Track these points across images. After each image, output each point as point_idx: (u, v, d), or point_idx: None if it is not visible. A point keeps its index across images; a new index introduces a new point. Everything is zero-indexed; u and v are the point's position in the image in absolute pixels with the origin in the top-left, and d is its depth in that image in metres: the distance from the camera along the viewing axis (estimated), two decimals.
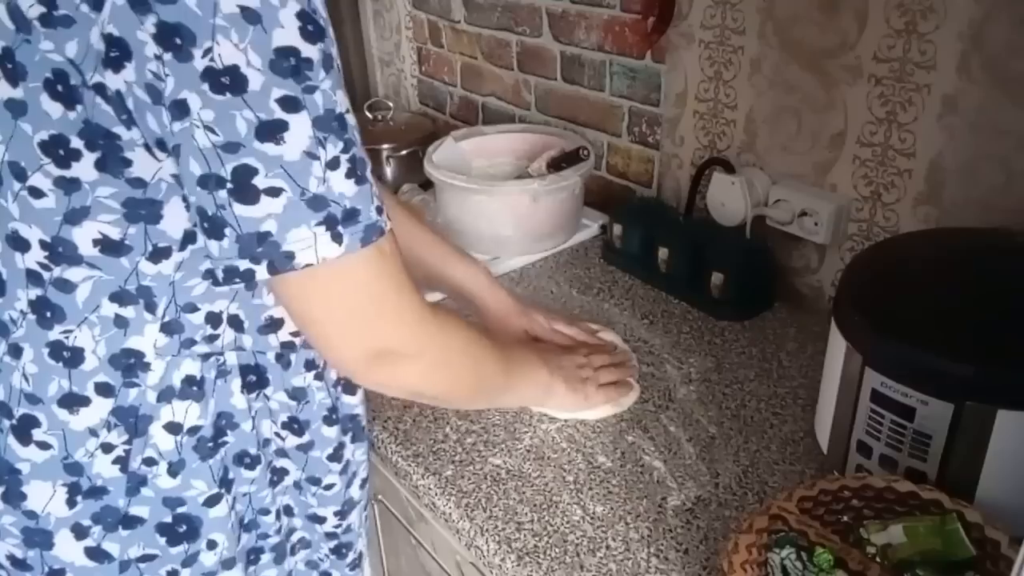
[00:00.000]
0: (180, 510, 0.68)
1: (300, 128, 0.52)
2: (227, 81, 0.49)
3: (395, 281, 0.61)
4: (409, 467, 0.90)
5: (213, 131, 0.51)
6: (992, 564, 0.65)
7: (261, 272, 0.55)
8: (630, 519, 0.81)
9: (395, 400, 0.99)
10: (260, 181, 0.52)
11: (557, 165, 1.28)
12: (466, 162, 1.39)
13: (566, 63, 1.46)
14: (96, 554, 0.67)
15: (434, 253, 0.96)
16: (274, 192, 0.52)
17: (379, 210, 0.58)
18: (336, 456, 0.78)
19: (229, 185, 0.52)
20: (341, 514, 0.81)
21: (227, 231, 0.54)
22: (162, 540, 0.68)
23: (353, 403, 0.78)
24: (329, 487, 0.78)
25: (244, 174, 0.52)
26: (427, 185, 1.40)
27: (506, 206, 1.25)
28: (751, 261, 1.15)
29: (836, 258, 1.12)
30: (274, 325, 0.68)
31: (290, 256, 0.54)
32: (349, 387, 0.78)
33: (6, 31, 0.54)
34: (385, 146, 1.58)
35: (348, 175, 0.55)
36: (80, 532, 0.66)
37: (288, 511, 0.77)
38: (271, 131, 0.51)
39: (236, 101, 0.50)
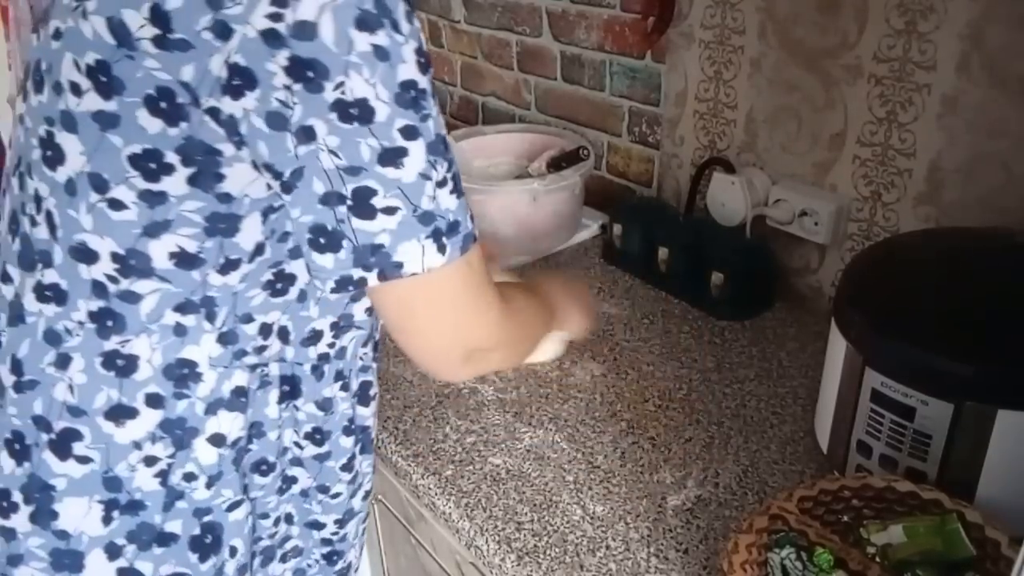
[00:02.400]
0: (207, 519, 0.68)
1: (417, 153, 0.55)
2: (356, 112, 0.53)
3: (483, 285, 0.65)
4: (409, 467, 0.90)
5: (337, 155, 0.54)
6: (992, 564, 0.65)
7: (372, 279, 0.58)
8: (630, 519, 0.81)
9: (395, 400, 0.99)
10: (378, 201, 0.55)
11: (557, 165, 1.28)
12: (466, 162, 1.39)
13: (566, 63, 1.46)
14: (128, 575, 0.66)
15: None
16: (390, 211, 0.56)
17: (472, 219, 0.62)
18: (348, 466, 0.78)
19: (349, 202, 0.55)
20: (340, 522, 0.80)
21: (344, 243, 0.56)
22: (194, 557, 0.67)
23: (366, 415, 0.79)
24: (336, 496, 0.78)
25: (364, 194, 0.55)
26: None
27: (506, 206, 1.25)
28: (751, 261, 1.15)
29: (836, 258, 1.12)
30: (315, 337, 0.69)
31: (399, 265, 0.57)
32: (364, 398, 0.78)
33: (104, 45, 0.54)
34: None
35: (452, 191, 0.59)
36: (113, 552, 0.65)
37: (288, 519, 0.77)
38: (392, 157, 0.54)
39: (363, 130, 0.53)
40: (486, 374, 0.83)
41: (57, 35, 0.57)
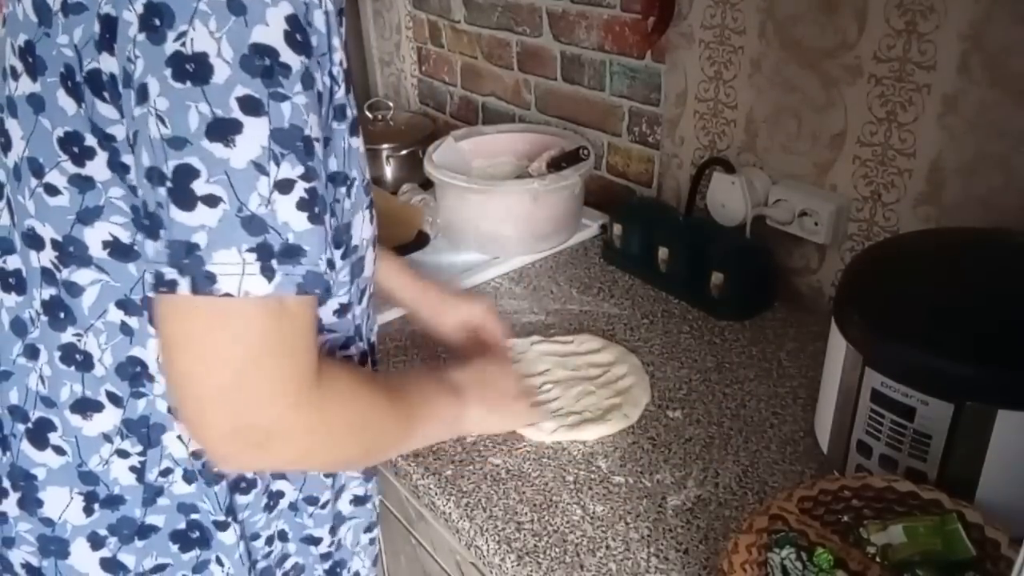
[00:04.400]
0: (194, 516, 0.67)
1: (255, 134, 0.48)
2: (191, 68, 0.46)
3: (285, 348, 0.53)
4: (409, 467, 0.90)
5: (164, 122, 0.47)
6: (992, 564, 0.65)
7: (184, 287, 0.49)
8: (630, 519, 0.81)
9: None
10: (199, 186, 0.48)
11: (557, 165, 1.28)
12: (466, 162, 1.39)
13: (566, 63, 1.46)
14: (112, 565, 0.66)
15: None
16: (211, 201, 0.48)
17: (330, 264, 0.53)
18: (329, 472, 0.76)
19: (169, 184, 0.48)
20: (332, 530, 0.78)
21: (162, 232, 0.50)
22: (175, 547, 0.67)
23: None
24: (325, 505, 0.76)
25: (185, 175, 0.48)
26: (427, 185, 1.40)
27: (506, 206, 1.25)
28: (751, 261, 1.15)
29: (836, 258, 1.12)
30: None
31: (211, 278, 0.49)
32: None
33: (30, 24, 0.53)
34: (385, 146, 1.58)
35: (301, 206, 0.50)
36: (96, 542, 0.65)
37: (283, 536, 0.75)
38: (223, 130, 0.47)
39: (195, 92, 0.46)
40: (293, 468, 0.69)
41: (3, 22, 0.56)
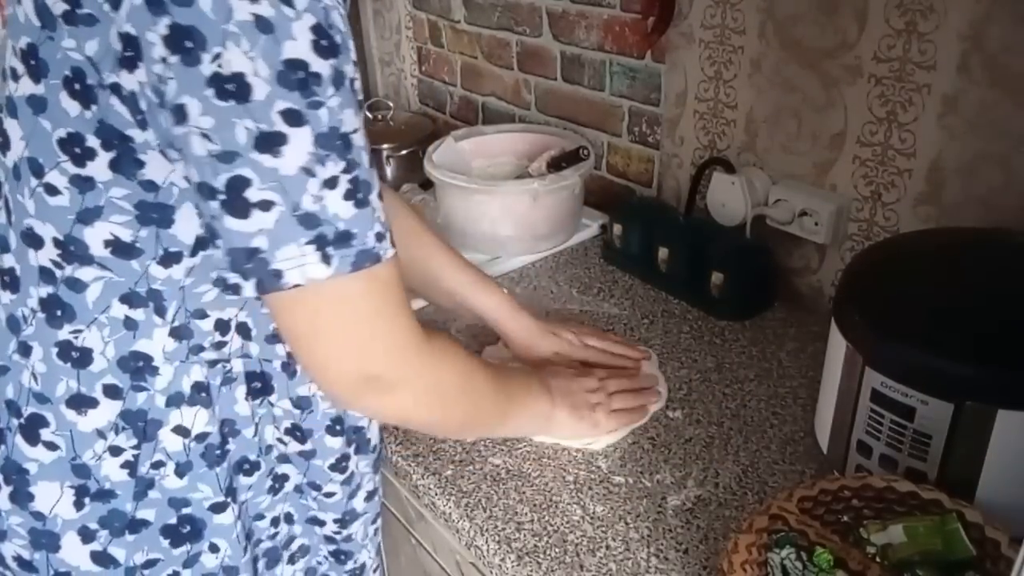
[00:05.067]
0: (185, 511, 0.68)
1: (300, 142, 0.51)
2: (232, 88, 0.49)
3: (389, 308, 0.60)
4: (409, 467, 0.90)
5: (210, 139, 0.50)
6: (992, 564, 0.65)
7: (248, 289, 0.54)
8: (630, 519, 0.81)
9: None
10: (253, 193, 0.51)
11: (557, 165, 1.28)
12: (466, 162, 1.39)
13: (566, 63, 1.46)
14: (102, 559, 0.66)
15: (458, 279, 0.95)
16: (266, 206, 0.51)
17: (379, 236, 0.57)
18: (339, 467, 0.77)
19: (221, 196, 0.51)
20: (342, 523, 0.79)
21: (219, 243, 0.54)
22: (165, 542, 0.68)
23: (357, 415, 0.77)
24: (329, 495, 0.77)
25: (238, 186, 0.51)
26: (427, 185, 1.40)
27: (506, 206, 1.25)
28: (751, 261, 1.15)
29: (836, 258, 1.12)
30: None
31: (278, 275, 0.53)
32: None
33: (32, 27, 0.54)
34: (385, 146, 1.58)
35: (347, 196, 0.54)
36: (87, 536, 0.66)
37: (288, 518, 0.76)
38: (270, 143, 0.50)
39: (238, 109, 0.49)
40: (401, 420, 0.75)
41: (3, 23, 0.58)
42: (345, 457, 0.77)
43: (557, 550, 0.78)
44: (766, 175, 1.17)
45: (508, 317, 0.98)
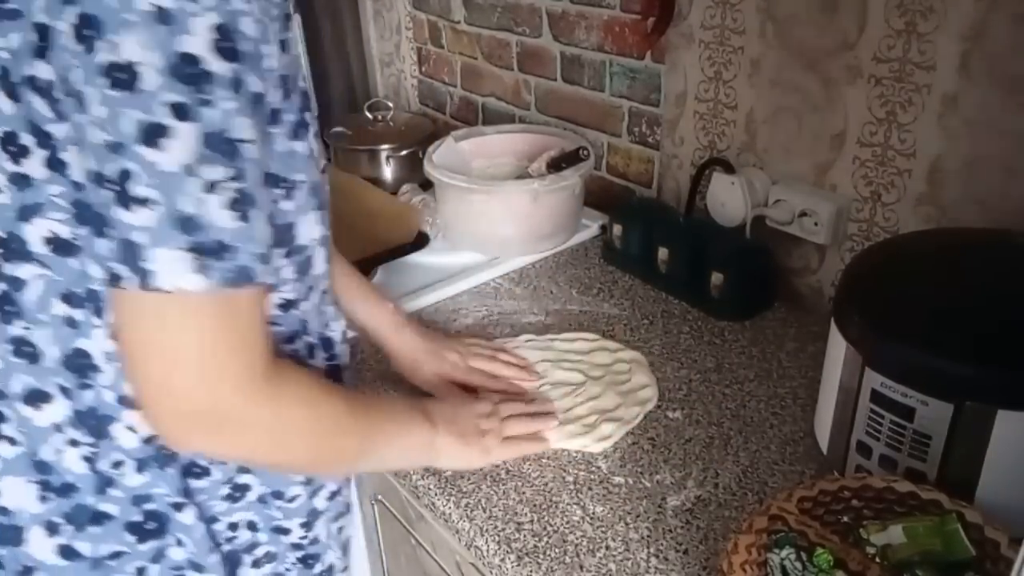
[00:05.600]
0: (148, 507, 0.67)
1: (184, 138, 0.50)
2: (123, 77, 0.49)
3: (236, 336, 0.57)
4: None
5: (103, 129, 0.50)
6: (992, 564, 0.65)
7: (131, 282, 0.53)
8: (630, 519, 0.81)
9: None
10: (135, 188, 0.51)
11: (557, 165, 1.28)
12: (466, 162, 1.39)
13: (566, 63, 1.46)
14: (67, 553, 0.67)
15: (345, 286, 0.91)
16: (147, 203, 0.51)
17: (261, 258, 0.55)
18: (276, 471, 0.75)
19: (111, 186, 0.51)
20: (307, 525, 0.78)
21: (110, 232, 0.53)
22: (131, 538, 0.68)
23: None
24: (293, 499, 0.76)
25: (124, 178, 0.51)
26: (427, 185, 1.40)
27: (506, 206, 1.25)
28: (751, 261, 1.15)
29: (836, 258, 1.12)
30: None
31: (151, 275, 0.52)
32: None
33: None
34: (385, 146, 1.58)
35: (231, 206, 0.53)
36: (52, 529, 0.66)
37: (252, 526, 0.74)
38: (153, 135, 0.50)
39: (128, 99, 0.49)
40: (240, 460, 0.69)
41: None
42: None
43: (557, 550, 0.78)
44: (766, 175, 1.17)
45: (391, 332, 0.96)
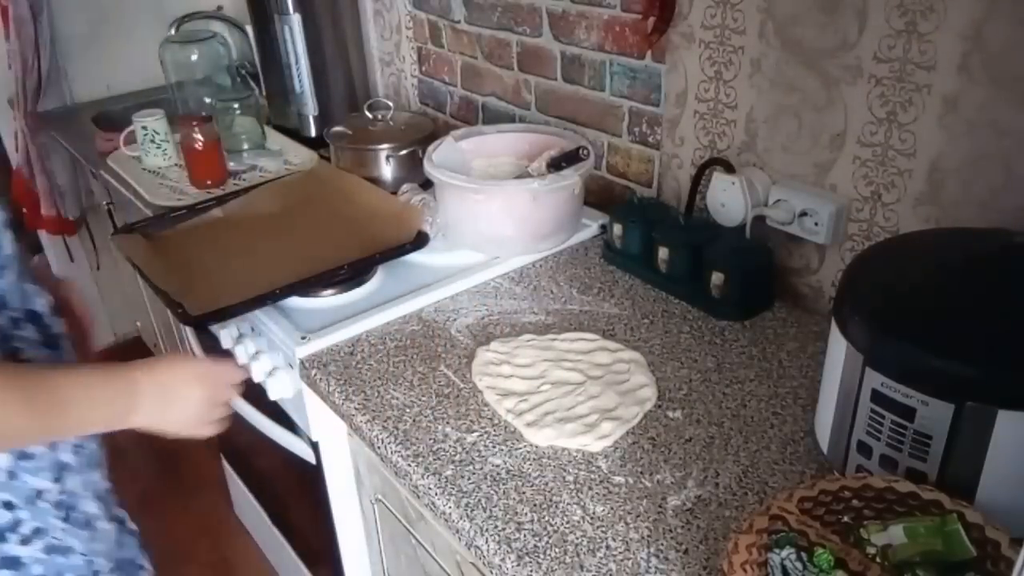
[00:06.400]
0: None
1: None
2: None
3: None
4: (409, 467, 0.90)
5: None
6: (992, 564, 0.65)
7: None
8: (630, 519, 0.81)
9: (395, 400, 0.99)
10: None
11: (557, 165, 1.28)
12: (466, 162, 1.39)
13: (566, 63, 1.46)
14: None
15: None
16: None
17: None
18: None
19: None
20: (58, 480, 0.81)
21: None
22: None
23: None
24: (39, 456, 0.79)
25: None
26: (427, 185, 1.40)
27: (506, 206, 1.25)
28: (751, 261, 1.15)
29: (836, 258, 1.12)
30: None
31: None
32: None
33: None
34: (385, 146, 1.57)
35: None
36: None
37: (8, 505, 0.77)
38: None
39: None
40: None
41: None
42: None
43: (557, 550, 0.78)
44: (766, 175, 1.17)
45: None
